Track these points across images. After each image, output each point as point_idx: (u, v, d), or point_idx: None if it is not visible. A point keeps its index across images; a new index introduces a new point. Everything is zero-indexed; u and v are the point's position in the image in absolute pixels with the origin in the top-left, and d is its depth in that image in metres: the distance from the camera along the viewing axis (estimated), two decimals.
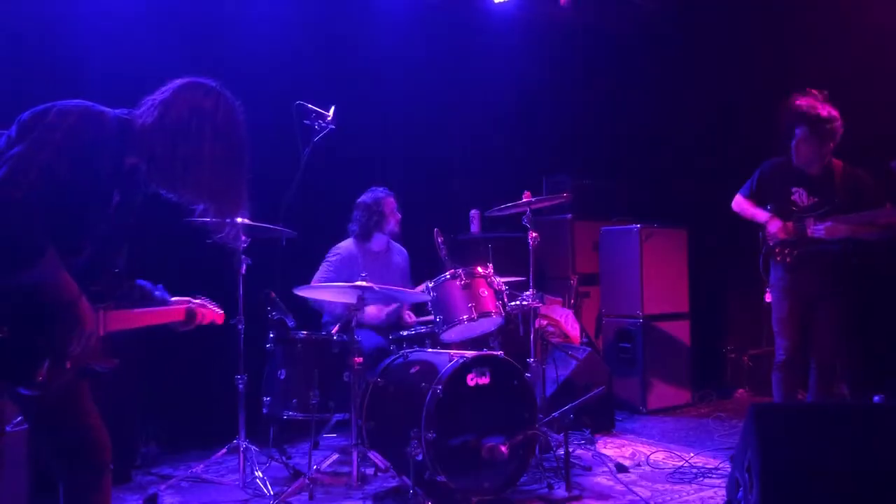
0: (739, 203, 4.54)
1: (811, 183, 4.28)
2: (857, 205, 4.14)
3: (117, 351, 2.29)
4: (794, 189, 4.32)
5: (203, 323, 2.60)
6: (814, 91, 4.27)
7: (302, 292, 3.81)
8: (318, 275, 4.60)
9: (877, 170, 4.27)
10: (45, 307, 2.01)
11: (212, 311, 2.61)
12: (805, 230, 4.24)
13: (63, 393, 2.19)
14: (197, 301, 2.55)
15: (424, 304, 4.14)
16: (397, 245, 4.89)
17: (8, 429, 2.77)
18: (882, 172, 4.22)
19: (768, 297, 4.48)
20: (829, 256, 4.24)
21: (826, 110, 4.16)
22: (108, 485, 2.37)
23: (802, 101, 4.23)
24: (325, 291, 4.08)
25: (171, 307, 2.47)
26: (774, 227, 4.33)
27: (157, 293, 2.45)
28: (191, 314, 2.49)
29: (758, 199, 4.46)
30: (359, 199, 4.71)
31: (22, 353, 2.00)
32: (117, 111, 2.18)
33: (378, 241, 4.71)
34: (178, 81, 2.24)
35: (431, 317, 4.06)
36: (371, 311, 4.57)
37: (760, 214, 4.41)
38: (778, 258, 4.35)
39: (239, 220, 3.63)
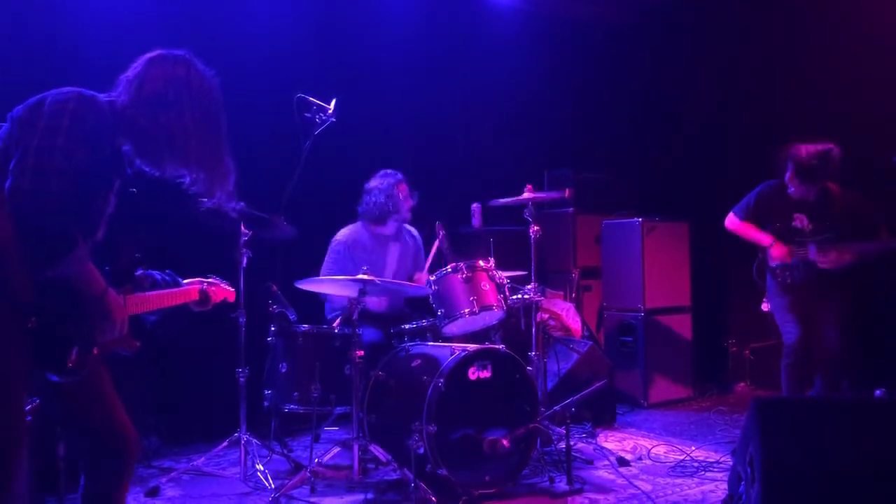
0: (735, 224, 4.59)
1: (811, 209, 4.36)
2: (857, 229, 4.23)
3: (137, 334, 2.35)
4: (795, 215, 4.38)
5: (216, 301, 2.70)
6: (820, 146, 4.26)
7: (303, 285, 3.81)
8: (324, 268, 4.57)
9: (879, 167, 4.30)
10: (74, 299, 2.06)
11: (223, 289, 2.74)
12: (807, 254, 4.33)
13: (90, 381, 2.23)
14: (208, 280, 2.66)
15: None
16: (409, 228, 4.82)
17: None
18: (881, 172, 4.29)
19: (765, 307, 4.55)
20: (827, 279, 4.31)
21: (810, 155, 4.20)
22: (129, 478, 2.39)
23: (795, 145, 4.29)
24: (326, 285, 4.08)
25: (186, 288, 2.56)
26: (779, 252, 4.39)
27: (167, 278, 2.52)
28: (204, 294, 2.62)
29: (755, 221, 4.50)
30: (370, 183, 4.61)
31: (52, 342, 2.03)
32: (101, 95, 2.20)
33: (392, 226, 4.65)
34: (148, 55, 2.27)
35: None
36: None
37: (763, 238, 4.46)
38: (778, 279, 4.40)
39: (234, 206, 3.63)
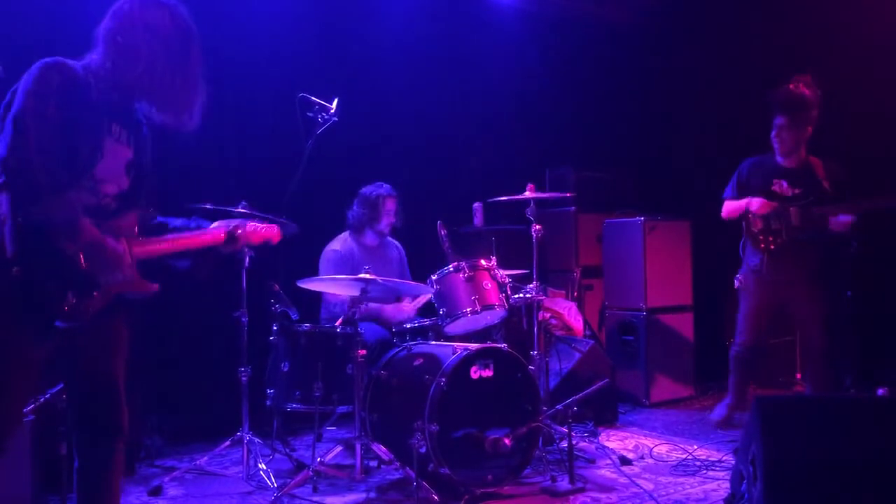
0: (727, 206, 4.68)
1: (792, 175, 4.44)
2: (842, 195, 4.31)
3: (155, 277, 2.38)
4: (774, 181, 4.45)
5: (253, 242, 2.70)
6: (796, 77, 4.41)
7: (305, 285, 3.81)
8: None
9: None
10: (59, 245, 2.11)
11: (262, 230, 2.71)
12: (789, 217, 4.37)
13: (102, 339, 2.33)
14: (236, 222, 2.64)
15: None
16: (392, 240, 4.85)
17: None
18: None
19: (738, 282, 4.70)
20: (811, 248, 4.39)
21: (801, 91, 4.33)
22: (121, 462, 2.46)
23: (780, 89, 4.42)
24: (328, 284, 4.08)
25: (207, 230, 2.56)
26: (757, 203, 4.44)
27: (190, 224, 2.55)
28: (231, 235, 2.59)
29: (741, 197, 4.58)
30: (361, 190, 4.66)
31: (43, 287, 2.11)
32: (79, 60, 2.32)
33: (370, 237, 4.68)
34: (112, 8, 2.34)
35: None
36: (390, 309, 4.53)
37: (742, 201, 4.53)
38: (762, 245, 4.45)
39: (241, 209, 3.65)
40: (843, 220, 4.33)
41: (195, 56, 2.40)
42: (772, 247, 4.43)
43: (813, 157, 4.47)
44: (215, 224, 2.63)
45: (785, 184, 4.44)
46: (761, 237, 4.46)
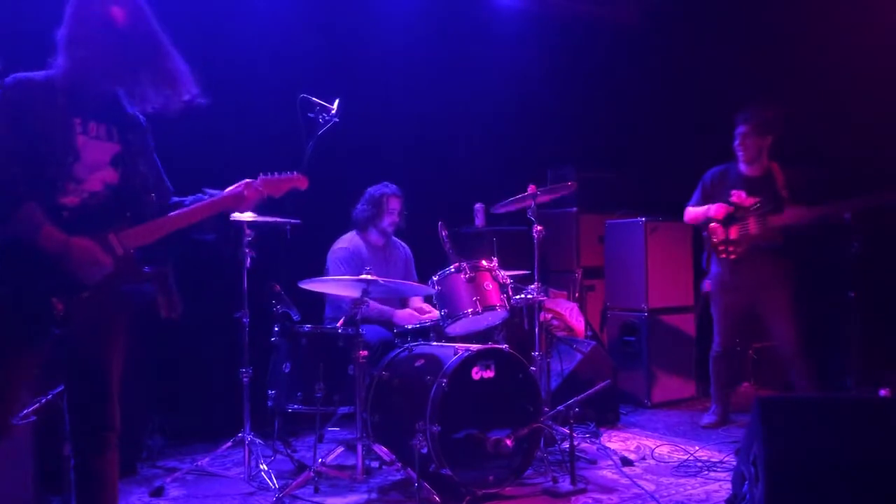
0: (690, 212, 4.86)
1: (751, 184, 4.58)
2: (798, 201, 4.44)
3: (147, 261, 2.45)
4: (733, 192, 4.60)
5: (275, 195, 2.69)
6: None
7: (307, 285, 3.81)
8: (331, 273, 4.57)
9: None
10: (32, 256, 2.20)
11: (281, 181, 2.68)
12: (748, 228, 4.54)
13: (93, 339, 2.38)
14: (246, 182, 2.62)
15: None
16: (399, 241, 4.87)
17: (15, 421, 2.81)
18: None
19: (707, 287, 4.93)
20: (770, 254, 4.52)
21: (762, 105, 4.57)
22: (115, 459, 2.49)
23: (741, 113, 4.68)
24: (330, 285, 4.08)
25: (203, 203, 2.56)
26: (717, 209, 4.61)
27: (196, 198, 2.58)
28: (238, 197, 2.59)
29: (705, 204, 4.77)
30: (368, 189, 4.71)
31: (29, 301, 2.22)
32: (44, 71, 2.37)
33: (374, 235, 4.70)
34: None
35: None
36: (404, 314, 4.55)
37: (702, 208, 4.72)
38: (723, 255, 4.64)
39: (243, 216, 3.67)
40: (797, 213, 4.46)
41: (152, 27, 2.42)
42: (732, 257, 4.60)
43: (775, 164, 4.62)
44: (230, 189, 2.64)
45: (743, 194, 4.58)
46: (721, 247, 4.63)
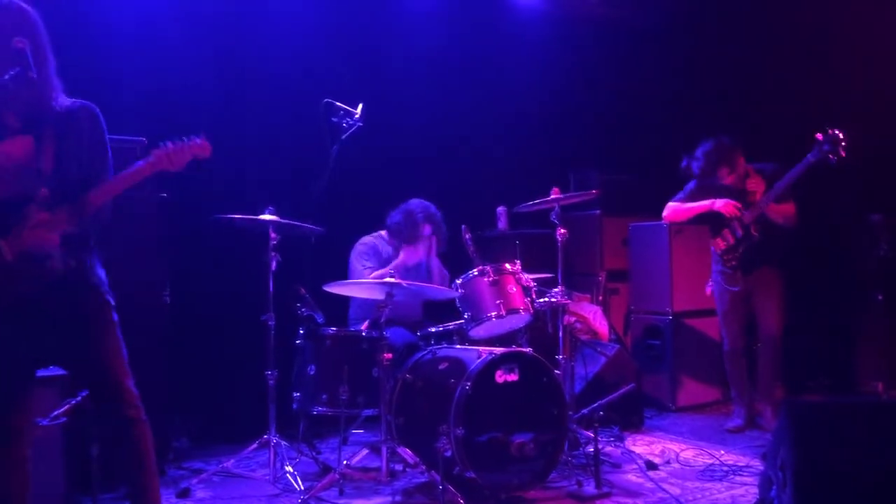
0: (672, 208, 4.96)
1: (729, 193, 4.69)
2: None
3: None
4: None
5: (180, 166, 2.57)
6: None
7: (331, 288, 3.83)
8: (353, 273, 4.59)
9: None
10: None
11: (183, 150, 2.55)
12: (750, 231, 4.62)
13: (70, 332, 2.52)
14: (159, 148, 2.55)
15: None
16: (437, 261, 4.76)
17: (44, 422, 2.86)
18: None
19: (708, 290, 5.01)
20: (768, 246, 4.62)
21: (703, 151, 4.76)
22: (142, 433, 2.61)
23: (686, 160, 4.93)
24: (354, 288, 4.10)
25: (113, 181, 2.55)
26: (722, 203, 4.66)
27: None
28: (138, 170, 2.53)
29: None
30: (409, 202, 4.59)
31: None
32: None
33: (409, 254, 4.60)
34: None
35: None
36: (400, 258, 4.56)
37: (701, 204, 4.79)
38: (731, 263, 4.73)
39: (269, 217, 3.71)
40: (783, 209, 4.56)
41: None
42: (734, 262, 4.71)
43: (752, 168, 4.71)
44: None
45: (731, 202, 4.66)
46: (727, 257, 4.74)
